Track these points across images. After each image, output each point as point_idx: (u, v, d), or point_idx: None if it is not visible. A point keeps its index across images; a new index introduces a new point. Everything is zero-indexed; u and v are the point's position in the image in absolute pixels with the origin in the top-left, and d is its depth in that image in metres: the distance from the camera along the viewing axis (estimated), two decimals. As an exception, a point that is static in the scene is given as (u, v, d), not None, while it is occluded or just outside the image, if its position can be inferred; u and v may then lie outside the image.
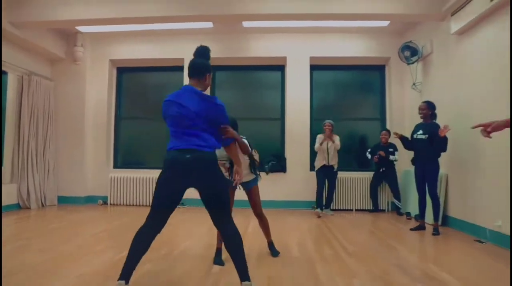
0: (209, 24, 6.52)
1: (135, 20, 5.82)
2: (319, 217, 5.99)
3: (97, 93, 7.30)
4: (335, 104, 7.42)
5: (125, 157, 7.59)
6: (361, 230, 5.06)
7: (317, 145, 6.25)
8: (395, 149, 6.39)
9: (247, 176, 3.39)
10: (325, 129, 6.24)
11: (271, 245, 3.62)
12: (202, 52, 2.56)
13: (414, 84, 6.22)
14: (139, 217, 5.79)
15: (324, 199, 6.45)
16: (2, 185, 5.96)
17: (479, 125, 2.11)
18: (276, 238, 3.86)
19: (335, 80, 7.53)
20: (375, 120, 7.27)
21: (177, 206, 2.45)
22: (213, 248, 3.41)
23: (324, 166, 6.24)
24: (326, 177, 6.33)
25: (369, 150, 6.66)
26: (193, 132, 2.37)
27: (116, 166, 7.45)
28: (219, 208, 2.41)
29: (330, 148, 6.19)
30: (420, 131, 4.90)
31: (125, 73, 7.67)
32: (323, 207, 6.35)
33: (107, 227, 4.95)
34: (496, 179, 4.11)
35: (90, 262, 3.23)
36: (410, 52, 6.02)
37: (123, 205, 6.97)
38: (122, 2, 5.57)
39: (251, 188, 3.45)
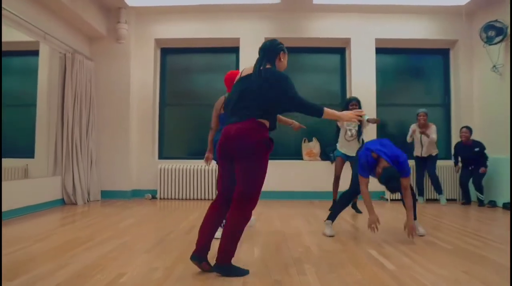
0: (276, -1, 5.89)
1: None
2: None
3: (142, 77, 6.57)
4: (395, 90, 6.99)
5: (171, 146, 6.89)
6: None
7: (408, 138, 6.08)
8: (483, 148, 5.79)
9: None
10: (419, 120, 5.97)
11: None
12: None
13: (494, 66, 5.89)
14: (201, 212, 4.98)
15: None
16: (44, 178, 5.27)
17: None
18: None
19: (391, 65, 7.07)
20: (436, 107, 6.88)
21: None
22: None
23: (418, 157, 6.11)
24: (423, 167, 6.06)
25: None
26: None
27: (161, 156, 6.76)
28: None
29: (424, 140, 5.97)
30: None
31: (170, 54, 6.96)
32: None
33: (190, 223, 4.26)
34: None
35: None
36: (496, 32, 5.67)
37: (174, 199, 6.30)
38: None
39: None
